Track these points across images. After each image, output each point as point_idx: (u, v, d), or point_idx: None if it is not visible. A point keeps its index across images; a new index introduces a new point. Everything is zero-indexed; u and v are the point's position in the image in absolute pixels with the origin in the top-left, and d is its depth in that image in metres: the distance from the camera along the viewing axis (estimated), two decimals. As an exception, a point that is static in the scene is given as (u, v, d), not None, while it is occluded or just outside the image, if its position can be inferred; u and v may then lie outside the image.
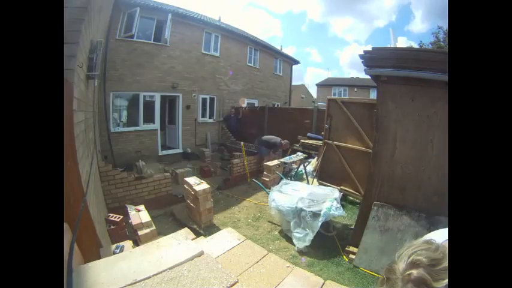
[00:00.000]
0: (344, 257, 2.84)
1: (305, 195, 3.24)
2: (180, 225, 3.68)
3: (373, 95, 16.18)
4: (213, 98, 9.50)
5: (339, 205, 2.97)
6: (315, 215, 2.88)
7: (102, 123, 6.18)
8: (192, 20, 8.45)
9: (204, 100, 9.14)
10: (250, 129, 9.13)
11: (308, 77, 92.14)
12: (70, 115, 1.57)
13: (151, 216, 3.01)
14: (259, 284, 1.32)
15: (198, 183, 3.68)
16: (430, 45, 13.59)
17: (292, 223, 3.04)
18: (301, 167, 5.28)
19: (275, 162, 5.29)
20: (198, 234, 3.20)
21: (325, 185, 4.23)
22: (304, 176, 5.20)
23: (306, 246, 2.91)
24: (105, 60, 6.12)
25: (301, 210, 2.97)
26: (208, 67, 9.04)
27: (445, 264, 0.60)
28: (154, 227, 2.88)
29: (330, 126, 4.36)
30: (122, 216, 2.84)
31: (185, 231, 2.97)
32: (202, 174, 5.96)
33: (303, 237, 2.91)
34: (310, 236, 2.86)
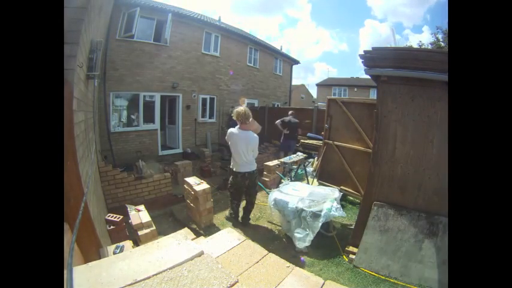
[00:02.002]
0: (344, 257, 2.84)
1: (305, 195, 3.24)
2: (180, 225, 3.68)
3: (373, 95, 16.20)
4: (213, 98, 9.51)
5: (339, 205, 2.97)
6: (316, 215, 2.88)
7: (102, 123, 6.19)
8: (192, 20, 8.45)
9: (204, 100, 9.14)
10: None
11: (318, 73, 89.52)
12: (70, 115, 1.57)
13: (151, 216, 3.01)
14: (259, 284, 1.32)
15: (198, 183, 3.68)
16: (430, 45, 13.59)
17: (292, 223, 3.04)
18: (301, 167, 5.27)
19: (275, 162, 5.29)
20: (198, 234, 3.20)
21: (325, 185, 4.23)
22: (304, 176, 5.20)
23: (306, 246, 2.91)
24: (105, 60, 6.12)
25: (302, 210, 2.97)
26: (208, 67, 9.04)
27: None
28: (154, 227, 2.88)
29: (330, 126, 4.36)
30: (122, 216, 2.84)
31: (185, 231, 2.97)
32: (202, 174, 5.96)
33: (303, 238, 2.91)
34: (311, 237, 2.86)
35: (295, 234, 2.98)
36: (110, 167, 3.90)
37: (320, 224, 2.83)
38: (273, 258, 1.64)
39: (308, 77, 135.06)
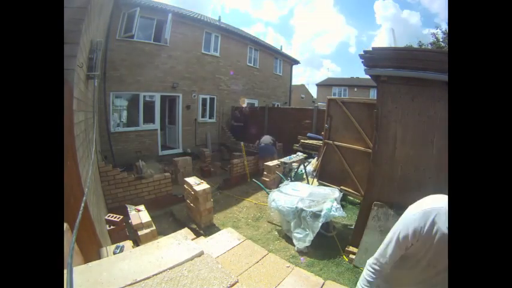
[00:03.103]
0: (344, 257, 2.84)
1: (305, 195, 3.24)
2: (180, 225, 3.68)
3: (373, 95, 16.18)
4: (213, 98, 9.51)
5: (339, 205, 2.97)
6: (316, 215, 2.88)
7: (102, 123, 6.19)
8: (192, 20, 8.45)
9: (204, 100, 9.14)
10: (250, 129, 9.14)
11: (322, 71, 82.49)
12: (70, 115, 1.57)
13: (151, 216, 3.01)
14: (259, 284, 1.32)
15: (198, 183, 3.68)
16: (429, 45, 13.58)
17: (292, 223, 3.04)
18: (301, 167, 5.27)
19: (275, 162, 5.29)
20: (198, 234, 3.20)
21: (325, 185, 4.23)
22: (304, 176, 5.20)
23: (306, 246, 2.91)
24: (105, 60, 6.12)
25: (302, 210, 2.97)
26: (208, 67, 9.04)
27: None
28: (154, 227, 2.88)
29: (330, 126, 4.36)
30: (121, 216, 2.84)
31: (185, 231, 2.97)
32: (202, 174, 5.96)
33: (303, 238, 2.91)
34: (310, 237, 2.86)
35: (295, 234, 2.98)
36: (110, 167, 3.90)
37: (320, 224, 2.83)
38: (273, 258, 1.64)
39: (316, 75, 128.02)
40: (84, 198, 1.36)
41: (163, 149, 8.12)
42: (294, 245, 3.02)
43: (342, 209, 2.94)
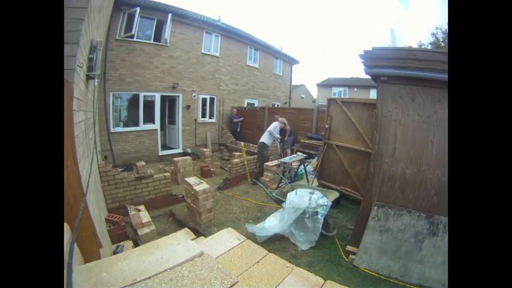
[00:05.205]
0: (344, 257, 2.84)
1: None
2: (180, 225, 3.68)
3: (373, 95, 16.19)
4: (213, 98, 9.51)
5: (320, 194, 3.07)
6: (314, 215, 2.88)
7: (102, 123, 6.19)
8: (192, 20, 8.45)
9: (204, 100, 9.14)
10: (251, 129, 9.13)
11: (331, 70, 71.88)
12: (70, 115, 1.57)
13: (151, 216, 3.01)
14: (259, 284, 1.32)
15: (198, 183, 3.68)
16: (429, 45, 13.58)
17: (293, 226, 3.04)
18: (301, 167, 5.27)
19: (275, 162, 5.29)
20: (198, 234, 3.20)
21: (325, 185, 4.23)
22: (304, 176, 5.20)
23: (308, 246, 2.91)
24: (105, 60, 6.12)
25: (302, 212, 2.97)
26: (208, 67, 9.04)
27: None
28: (154, 227, 2.89)
29: (330, 126, 4.36)
30: (121, 216, 2.84)
31: (185, 231, 2.97)
32: (202, 174, 5.96)
33: (306, 240, 2.92)
34: (313, 237, 2.87)
35: (298, 237, 2.99)
36: (110, 167, 3.90)
37: (320, 225, 2.83)
38: (273, 258, 1.64)
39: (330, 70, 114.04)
40: (84, 198, 1.36)
41: (163, 149, 8.12)
42: (294, 245, 3.02)
43: (324, 196, 3.03)
